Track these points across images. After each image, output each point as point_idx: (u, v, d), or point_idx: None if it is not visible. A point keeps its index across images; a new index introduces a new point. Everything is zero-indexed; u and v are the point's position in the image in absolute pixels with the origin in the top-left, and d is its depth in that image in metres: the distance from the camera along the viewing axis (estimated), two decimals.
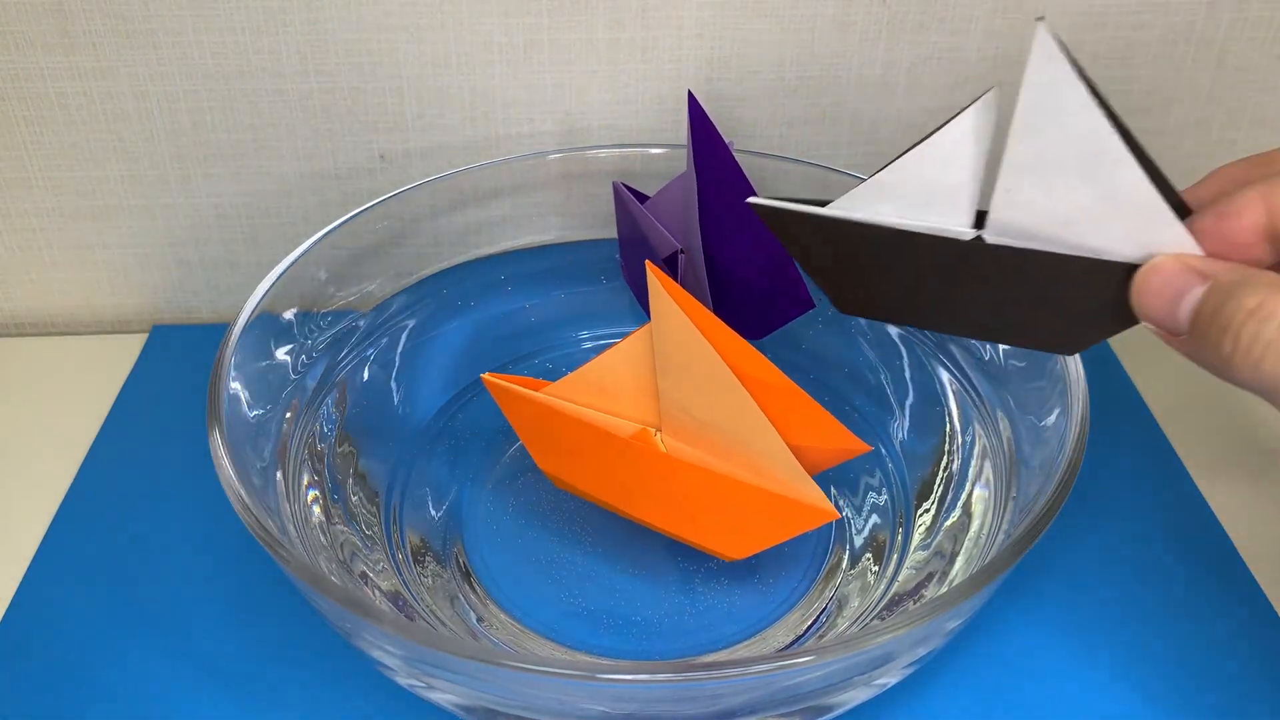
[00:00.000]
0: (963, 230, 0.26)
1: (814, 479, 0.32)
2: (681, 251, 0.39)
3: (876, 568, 0.37)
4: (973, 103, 0.26)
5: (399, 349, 0.43)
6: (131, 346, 0.50)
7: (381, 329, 0.43)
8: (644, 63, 0.47)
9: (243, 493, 0.30)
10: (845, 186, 0.43)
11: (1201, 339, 0.24)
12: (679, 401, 0.33)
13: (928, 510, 0.38)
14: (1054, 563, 0.38)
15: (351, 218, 0.41)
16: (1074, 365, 0.34)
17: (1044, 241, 0.25)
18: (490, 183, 0.46)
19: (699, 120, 0.38)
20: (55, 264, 0.51)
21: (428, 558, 0.38)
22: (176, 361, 0.49)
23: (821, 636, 0.35)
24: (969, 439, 0.38)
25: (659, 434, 0.34)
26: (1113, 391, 0.46)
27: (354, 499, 0.38)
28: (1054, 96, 0.23)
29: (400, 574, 0.36)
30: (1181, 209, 0.25)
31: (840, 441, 0.32)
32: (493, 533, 0.39)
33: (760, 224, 0.39)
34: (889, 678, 0.31)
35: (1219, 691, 0.34)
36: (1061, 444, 0.32)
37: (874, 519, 0.39)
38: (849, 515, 0.40)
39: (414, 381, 0.43)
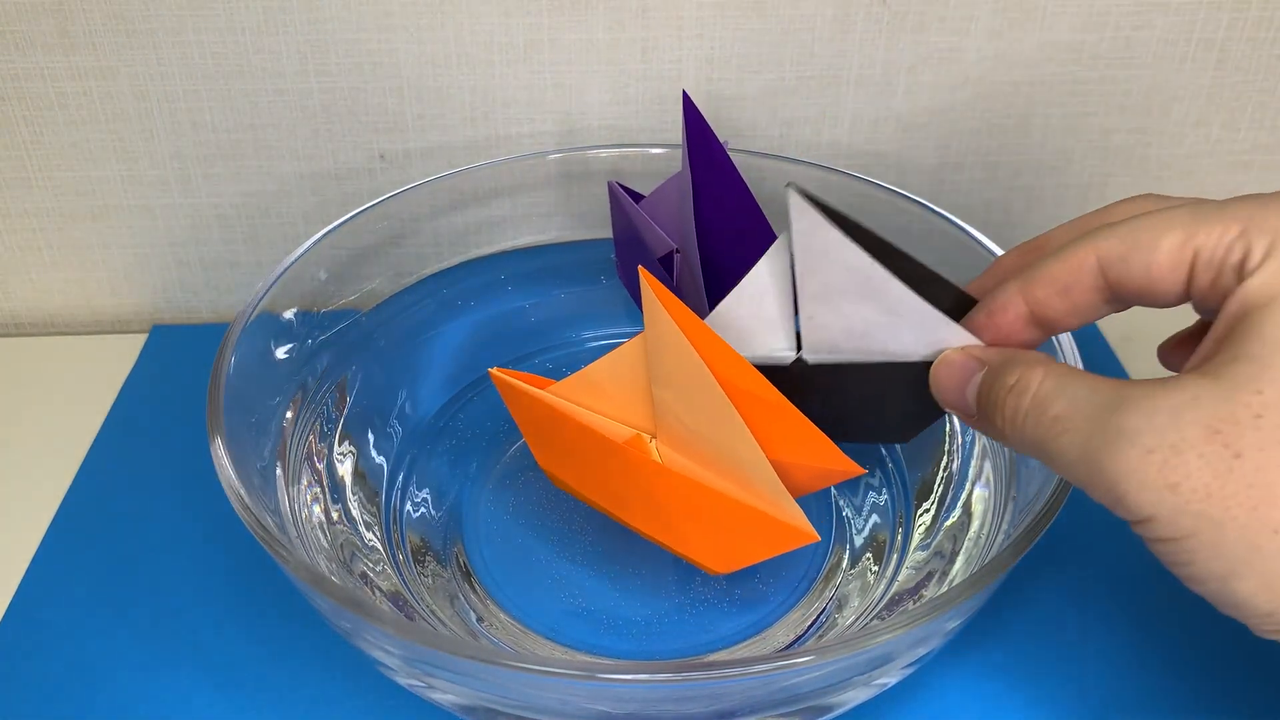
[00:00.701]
0: (787, 354, 0.31)
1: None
2: (677, 251, 0.39)
3: (876, 568, 0.37)
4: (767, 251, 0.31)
5: (399, 349, 0.43)
6: (131, 346, 0.50)
7: (381, 329, 0.43)
8: (644, 63, 0.47)
9: (243, 493, 0.30)
10: (845, 186, 0.43)
11: (983, 417, 0.27)
12: (672, 409, 0.32)
13: (928, 510, 0.38)
14: (1054, 562, 0.38)
15: (351, 218, 0.41)
16: (1073, 364, 0.34)
17: (853, 353, 0.30)
18: (490, 183, 0.46)
19: (694, 120, 0.38)
20: (55, 264, 0.51)
21: (428, 558, 0.38)
22: (176, 361, 0.49)
23: (821, 636, 0.35)
24: (969, 439, 0.38)
25: (654, 441, 0.34)
26: None
27: (354, 499, 0.38)
28: (816, 240, 0.28)
29: (400, 574, 0.36)
30: (964, 300, 0.29)
31: (831, 461, 0.31)
32: (493, 533, 0.39)
33: (755, 223, 0.39)
34: (889, 678, 0.31)
35: (1222, 681, 0.34)
36: None
37: (874, 519, 0.39)
38: (849, 515, 0.40)
39: (414, 381, 0.43)
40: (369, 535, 0.37)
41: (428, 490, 0.41)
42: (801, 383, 0.30)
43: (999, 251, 0.38)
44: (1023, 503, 0.33)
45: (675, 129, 0.48)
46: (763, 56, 0.47)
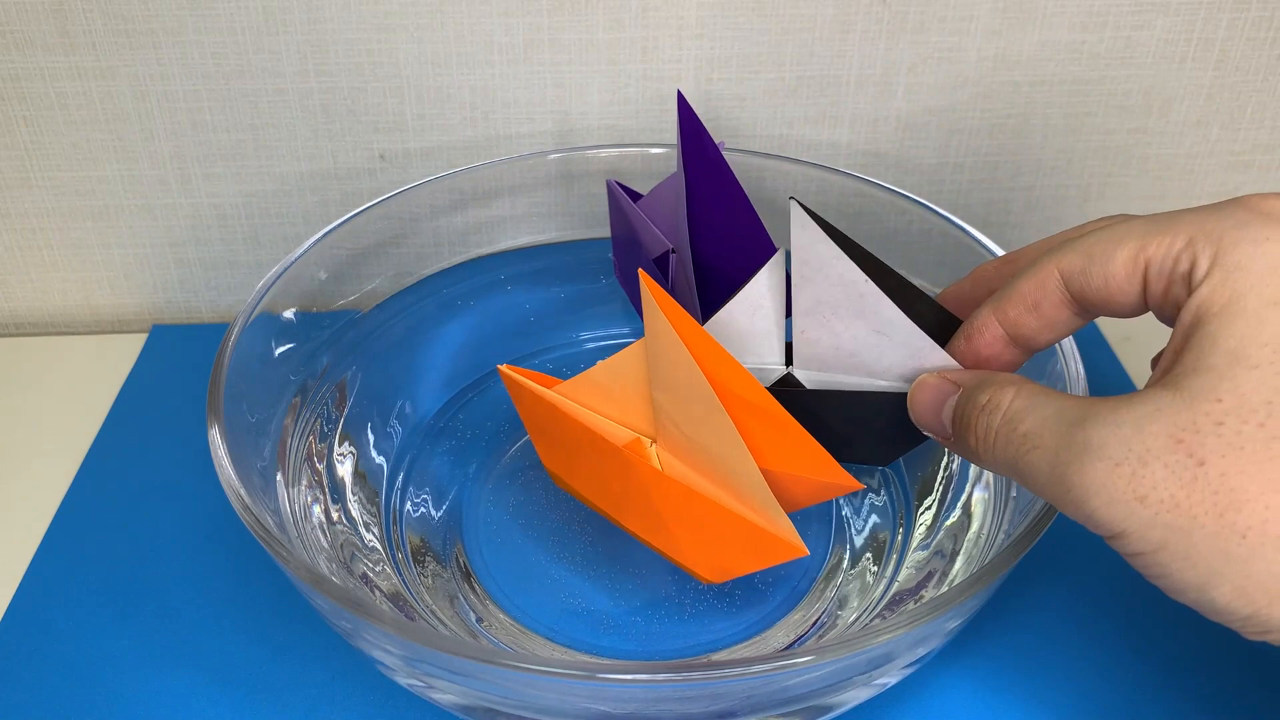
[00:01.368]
0: (776, 366, 0.32)
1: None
2: (673, 251, 0.39)
3: (876, 567, 0.37)
4: (766, 263, 0.32)
5: (399, 349, 0.43)
6: (131, 346, 0.50)
7: (381, 329, 0.43)
8: (643, 63, 0.47)
9: (243, 493, 0.30)
10: (845, 186, 0.43)
11: (958, 438, 0.28)
12: (670, 414, 0.32)
13: (928, 510, 0.38)
14: (1054, 562, 0.38)
15: (351, 218, 0.41)
16: (1074, 365, 0.34)
17: (838, 369, 0.31)
18: (490, 183, 0.46)
19: (688, 120, 0.38)
20: (55, 264, 0.51)
21: (428, 558, 0.38)
22: (176, 361, 0.49)
23: (821, 636, 0.35)
24: None
25: (654, 445, 0.34)
26: (1112, 392, 0.46)
27: (354, 499, 0.38)
28: (813, 253, 0.29)
29: (400, 574, 0.36)
30: (949, 321, 0.30)
31: (827, 474, 0.31)
32: (493, 533, 0.39)
33: (748, 224, 0.39)
34: (889, 678, 0.31)
35: (1221, 682, 0.35)
36: None
37: (874, 519, 0.39)
38: (849, 515, 0.40)
39: (414, 382, 0.43)
40: (369, 535, 0.37)
41: (427, 490, 0.41)
42: (786, 403, 0.30)
43: (999, 251, 0.38)
44: (1022, 503, 0.33)
45: (674, 129, 0.48)
46: (763, 57, 0.47)
